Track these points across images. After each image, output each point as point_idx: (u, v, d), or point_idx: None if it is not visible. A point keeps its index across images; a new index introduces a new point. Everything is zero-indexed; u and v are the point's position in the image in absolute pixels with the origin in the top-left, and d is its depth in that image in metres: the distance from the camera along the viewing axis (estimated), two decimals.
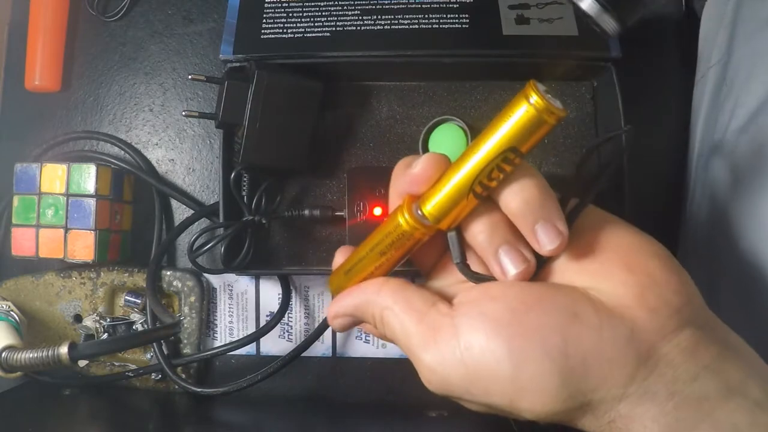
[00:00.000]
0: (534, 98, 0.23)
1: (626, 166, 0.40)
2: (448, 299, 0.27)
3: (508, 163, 0.24)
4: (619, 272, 0.24)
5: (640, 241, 0.25)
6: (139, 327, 0.47)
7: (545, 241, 0.24)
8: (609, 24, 0.29)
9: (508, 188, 0.25)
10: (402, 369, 0.48)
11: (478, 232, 0.26)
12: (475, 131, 0.44)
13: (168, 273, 0.47)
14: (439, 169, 0.26)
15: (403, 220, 0.26)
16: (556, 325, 0.23)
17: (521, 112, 0.24)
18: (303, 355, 0.45)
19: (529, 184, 0.25)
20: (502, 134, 0.24)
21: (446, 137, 0.43)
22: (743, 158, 0.36)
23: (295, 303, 0.48)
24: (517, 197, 0.25)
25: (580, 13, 0.30)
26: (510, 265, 0.25)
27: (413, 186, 0.26)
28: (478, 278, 0.26)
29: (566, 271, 0.25)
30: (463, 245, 0.27)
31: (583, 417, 0.23)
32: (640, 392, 0.22)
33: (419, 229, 0.26)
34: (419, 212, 0.26)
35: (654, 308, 0.23)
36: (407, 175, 0.27)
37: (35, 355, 0.38)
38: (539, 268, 0.26)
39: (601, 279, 0.24)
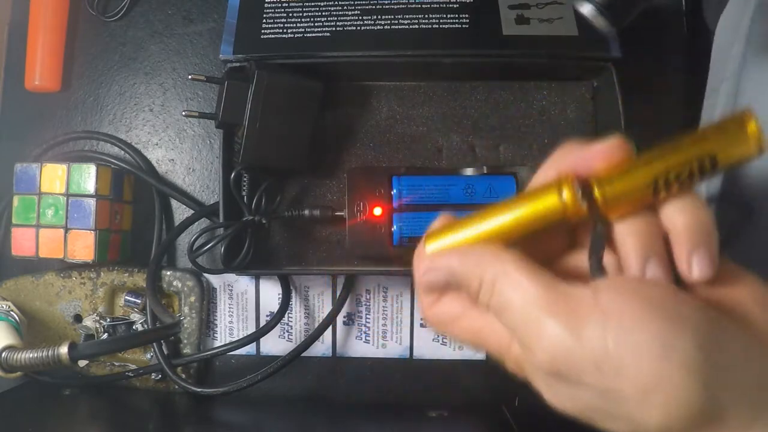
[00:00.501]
0: (754, 127, 0.23)
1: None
2: None
3: (701, 171, 0.23)
4: (752, 306, 0.23)
5: (761, 281, 0.25)
6: (139, 327, 0.47)
7: (697, 270, 0.23)
8: (605, 26, 0.30)
9: (683, 202, 0.24)
10: (402, 369, 0.48)
11: (633, 235, 0.24)
12: (478, 130, 0.44)
13: (168, 273, 0.47)
14: (625, 153, 0.25)
15: (559, 197, 0.24)
16: (708, 328, 0.22)
17: (738, 129, 0.23)
18: (303, 355, 0.45)
19: (703, 208, 0.24)
20: (710, 139, 0.23)
21: None
22: (758, 180, 0.35)
23: (295, 303, 0.48)
24: (690, 215, 0.24)
25: (579, 14, 0.31)
26: (655, 275, 0.24)
27: (590, 162, 0.25)
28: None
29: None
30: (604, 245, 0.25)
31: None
32: None
33: (576, 209, 0.24)
34: (583, 192, 0.24)
35: None
36: (587, 150, 0.25)
37: (35, 355, 0.38)
38: None
39: (735, 310, 0.24)
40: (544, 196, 0.25)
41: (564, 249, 0.27)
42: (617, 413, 0.22)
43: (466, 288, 0.26)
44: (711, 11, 0.45)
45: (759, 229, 0.34)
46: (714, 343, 0.21)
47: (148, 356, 0.48)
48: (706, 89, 0.44)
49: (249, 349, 0.48)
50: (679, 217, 0.24)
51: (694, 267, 0.23)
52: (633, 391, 0.21)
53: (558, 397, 0.24)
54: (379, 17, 0.42)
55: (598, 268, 0.24)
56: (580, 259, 0.26)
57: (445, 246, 0.27)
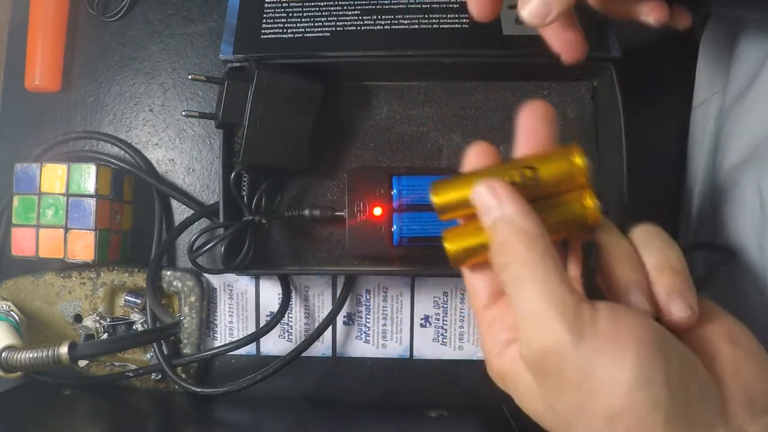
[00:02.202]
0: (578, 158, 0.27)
1: (625, 167, 0.40)
2: None
3: (522, 177, 0.27)
4: (723, 344, 0.25)
5: (741, 325, 0.27)
6: (139, 327, 0.47)
7: (676, 314, 0.26)
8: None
9: (650, 241, 0.27)
10: (402, 369, 0.48)
11: (619, 263, 0.26)
12: (478, 130, 0.44)
13: (168, 273, 0.47)
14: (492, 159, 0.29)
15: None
16: (680, 369, 0.23)
17: (564, 154, 0.27)
18: (303, 355, 0.45)
19: (675, 252, 0.27)
20: (536, 157, 0.28)
21: None
22: (747, 194, 0.36)
23: (295, 303, 0.48)
24: (659, 256, 0.26)
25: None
26: (643, 304, 0.26)
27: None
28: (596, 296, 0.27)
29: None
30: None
31: None
32: None
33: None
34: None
35: (749, 385, 0.24)
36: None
37: (35, 355, 0.38)
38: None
39: (708, 346, 0.25)
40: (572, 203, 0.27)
41: None
42: (582, 426, 0.24)
43: (492, 237, 0.26)
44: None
45: (736, 270, 0.36)
46: (682, 383, 0.23)
47: (148, 356, 0.48)
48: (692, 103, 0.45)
49: (249, 349, 0.48)
50: (650, 257, 0.26)
51: (673, 310, 0.25)
52: (602, 412, 0.23)
53: (530, 393, 0.26)
54: (379, 17, 0.42)
55: (592, 288, 0.26)
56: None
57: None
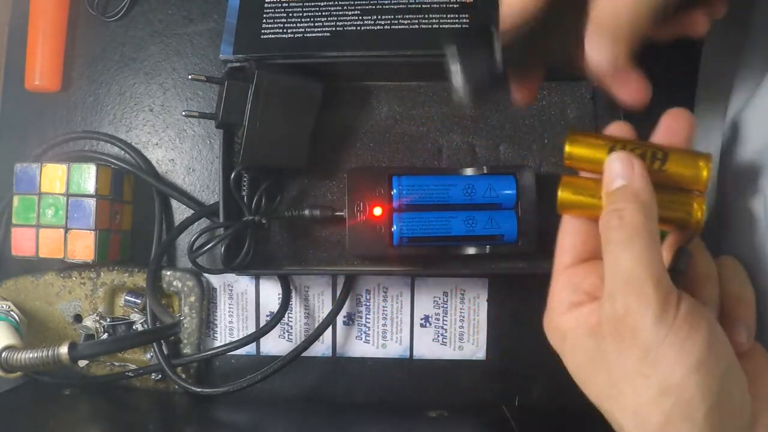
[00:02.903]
0: (704, 168, 0.29)
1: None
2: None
3: (653, 156, 0.29)
4: (764, 372, 0.28)
5: None
6: (139, 327, 0.47)
7: (741, 338, 0.28)
8: (463, 96, 0.30)
9: (739, 279, 0.30)
10: (402, 369, 0.48)
11: (709, 280, 0.29)
12: (478, 130, 0.44)
13: (168, 273, 0.47)
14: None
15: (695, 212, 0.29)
16: (731, 371, 0.25)
17: (695, 160, 0.29)
18: (303, 355, 0.46)
19: (752, 289, 0.30)
20: (674, 148, 0.29)
21: None
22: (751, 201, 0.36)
23: (295, 303, 0.48)
24: (744, 292, 0.30)
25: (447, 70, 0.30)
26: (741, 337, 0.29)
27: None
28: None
29: None
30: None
31: None
32: None
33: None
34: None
35: None
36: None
37: (35, 355, 0.38)
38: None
39: (750, 370, 0.27)
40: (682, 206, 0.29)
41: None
42: (631, 392, 0.25)
43: (611, 200, 0.28)
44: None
45: None
46: (731, 386, 0.25)
47: (148, 356, 0.48)
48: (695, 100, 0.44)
49: (249, 349, 0.48)
50: (734, 287, 0.30)
51: (740, 333, 0.28)
52: (658, 382, 0.24)
53: (584, 356, 0.28)
54: (379, 17, 0.42)
55: (679, 281, 0.27)
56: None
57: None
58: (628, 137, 0.30)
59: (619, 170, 0.28)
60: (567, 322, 0.29)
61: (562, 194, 0.30)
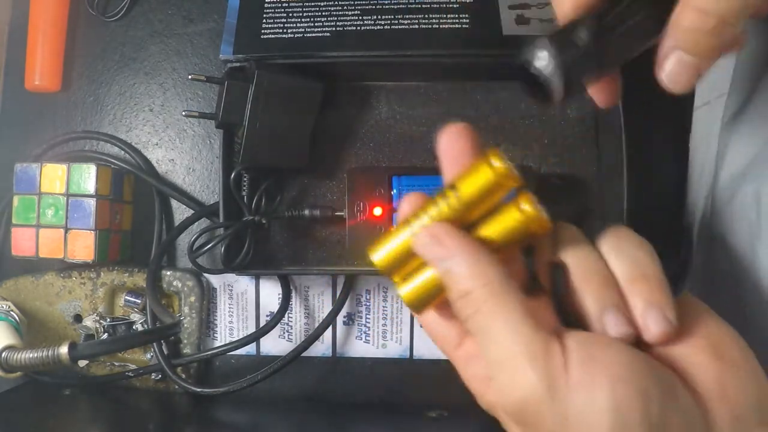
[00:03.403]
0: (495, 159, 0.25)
1: (625, 167, 0.40)
2: None
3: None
4: (707, 360, 0.24)
5: (727, 330, 0.25)
6: (139, 327, 0.47)
7: (654, 330, 0.24)
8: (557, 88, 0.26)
9: (617, 244, 0.25)
10: (402, 369, 0.48)
11: (587, 281, 0.25)
12: (478, 130, 0.44)
13: (168, 273, 0.47)
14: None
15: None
16: (658, 399, 0.22)
17: (479, 163, 0.25)
18: (303, 355, 0.46)
19: (647, 255, 0.25)
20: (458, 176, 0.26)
21: None
22: (745, 200, 0.35)
23: (295, 303, 0.48)
24: (633, 266, 0.25)
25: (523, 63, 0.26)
26: (614, 329, 0.24)
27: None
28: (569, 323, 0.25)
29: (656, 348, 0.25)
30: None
31: None
32: None
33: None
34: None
35: (735, 401, 0.23)
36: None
37: (35, 355, 0.38)
38: None
39: (690, 364, 0.24)
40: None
41: None
42: None
43: (449, 286, 0.25)
44: None
45: (694, 281, 0.36)
46: (663, 416, 0.22)
47: (148, 356, 0.48)
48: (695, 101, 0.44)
49: (249, 349, 0.48)
50: (620, 267, 0.25)
51: (651, 328, 0.24)
52: None
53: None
54: (379, 17, 0.42)
55: (566, 313, 0.25)
56: None
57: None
58: (418, 203, 0.26)
59: (432, 252, 0.25)
60: (492, 400, 0.26)
61: (407, 296, 0.26)
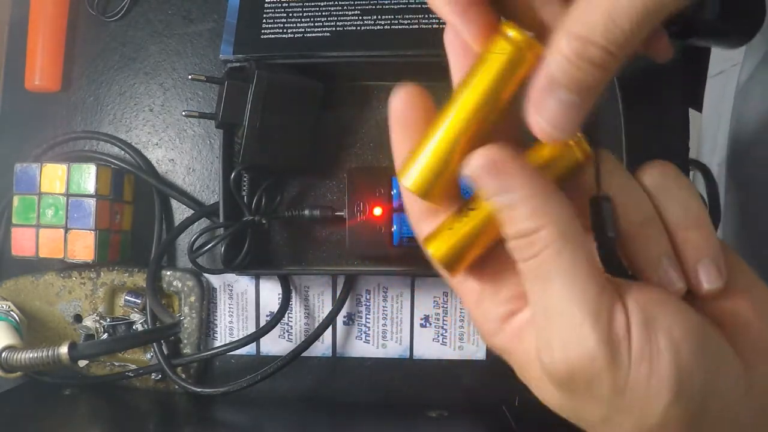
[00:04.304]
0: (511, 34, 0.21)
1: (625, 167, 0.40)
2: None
3: None
4: (752, 317, 0.22)
5: (763, 286, 0.23)
6: (139, 327, 0.47)
7: (707, 284, 0.22)
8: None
9: (674, 194, 0.23)
10: (402, 369, 0.48)
11: (644, 226, 0.22)
12: None
13: (168, 273, 0.47)
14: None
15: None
16: (715, 368, 0.21)
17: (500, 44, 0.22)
18: (303, 355, 0.45)
19: (697, 201, 0.22)
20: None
21: None
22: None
23: (295, 303, 0.48)
24: (686, 213, 0.22)
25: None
26: (675, 284, 0.22)
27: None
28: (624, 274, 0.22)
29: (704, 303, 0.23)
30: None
31: None
32: None
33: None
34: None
35: None
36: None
37: (35, 355, 0.38)
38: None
39: (734, 320, 0.22)
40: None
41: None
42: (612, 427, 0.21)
43: (506, 224, 0.21)
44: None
45: (758, 242, 0.34)
46: (719, 384, 0.20)
47: (148, 356, 0.48)
48: (708, 70, 0.44)
49: (249, 349, 0.48)
50: (671, 211, 0.22)
51: (703, 279, 0.22)
52: (632, 426, 0.21)
53: (542, 381, 0.23)
54: (379, 17, 0.42)
55: (615, 265, 0.22)
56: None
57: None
58: (418, 103, 0.23)
59: (487, 184, 0.21)
60: (505, 342, 0.23)
61: (437, 251, 0.22)
